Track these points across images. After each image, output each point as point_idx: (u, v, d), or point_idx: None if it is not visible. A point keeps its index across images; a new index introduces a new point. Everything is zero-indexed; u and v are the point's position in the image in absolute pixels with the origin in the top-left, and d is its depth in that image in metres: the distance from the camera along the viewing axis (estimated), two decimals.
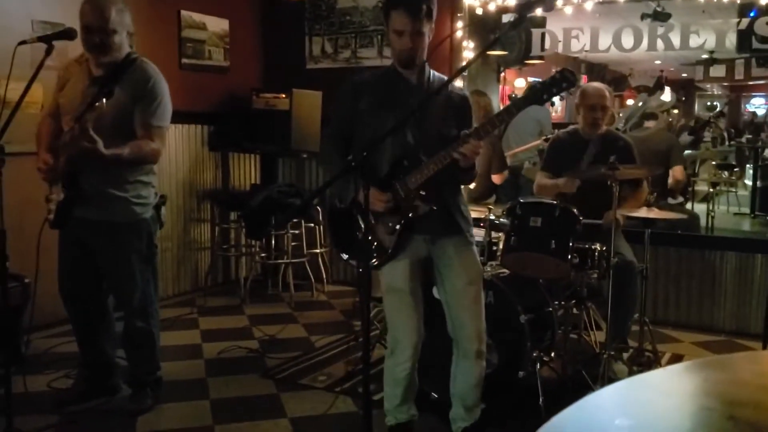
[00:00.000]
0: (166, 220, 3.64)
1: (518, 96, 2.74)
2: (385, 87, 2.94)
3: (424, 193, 2.83)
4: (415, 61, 2.88)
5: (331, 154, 3.05)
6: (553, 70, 2.64)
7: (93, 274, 3.44)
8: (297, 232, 5.71)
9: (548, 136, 4.69)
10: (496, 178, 5.38)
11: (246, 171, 6.36)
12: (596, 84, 4.32)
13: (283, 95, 5.69)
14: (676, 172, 5.41)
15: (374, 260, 2.90)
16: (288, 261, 5.72)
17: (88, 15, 3.18)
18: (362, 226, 2.87)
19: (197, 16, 5.76)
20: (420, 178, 2.80)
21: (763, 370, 1.08)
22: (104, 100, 3.05)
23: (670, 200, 5.65)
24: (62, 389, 3.70)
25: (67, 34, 3.05)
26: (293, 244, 5.72)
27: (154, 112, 3.29)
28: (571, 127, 4.39)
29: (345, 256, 3.08)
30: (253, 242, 5.98)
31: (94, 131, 3.04)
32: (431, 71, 2.98)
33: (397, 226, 2.87)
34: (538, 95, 2.66)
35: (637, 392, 0.99)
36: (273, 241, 5.89)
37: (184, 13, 5.64)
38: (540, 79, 2.73)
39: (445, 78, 2.98)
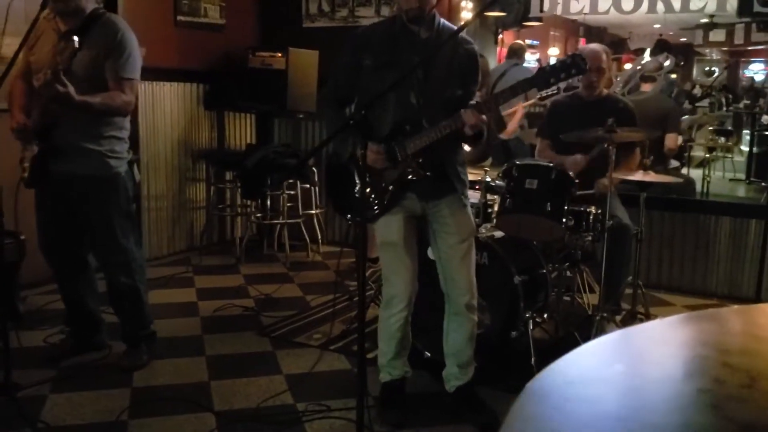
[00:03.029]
0: (138, 179, 3.61)
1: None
2: (391, 42, 2.87)
3: (420, 160, 2.82)
4: (424, 18, 2.83)
5: (329, 112, 3.04)
6: (553, 59, 2.63)
7: (71, 228, 3.44)
8: (292, 192, 5.71)
9: (543, 94, 4.69)
10: (505, 134, 5.46)
11: (241, 130, 6.33)
12: (593, 45, 4.29)
13: (280, 54, 5.63)
14: (670, 141, 5.40)
15: (367, 214, 2.91)
16: (283, 221, 5.73)
17: None
18: (357, 181, 2.89)
19: None
20: (419, 145, 2.79)
21: (754, 321, 1.11)
22: (75, 38, 2.97)
23: (672, 163, 5.67)
24: (54, 344, 3.73)
25: None
26: (289, 204, 5.72)
27: (123, 64, 3.25)
28: (571, 90, 4.37)
29: (338, 206, 3.09)
30: (249, 202, 5.99)
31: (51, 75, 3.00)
32: (441, 21, 2.90)
33: (390, 187, 2.88)
34: (545, 78, 2.64)
35: (633, 341, 1.01)
36: (268, 202, 5.89)
37: None
38: (550, 63, 2.71)
39: (455, 28, 2.92)
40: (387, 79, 2.69)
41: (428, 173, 2.84)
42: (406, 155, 2.83)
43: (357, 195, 2.90)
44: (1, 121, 4.32)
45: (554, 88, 4.49)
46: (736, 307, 1.16)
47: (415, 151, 2.81)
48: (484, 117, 2.71)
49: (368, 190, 2.89)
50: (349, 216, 3.11)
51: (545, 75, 2.64)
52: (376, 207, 2.91)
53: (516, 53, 6.72)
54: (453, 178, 2.94)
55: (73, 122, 3.18)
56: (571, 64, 2.60)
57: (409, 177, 2.85)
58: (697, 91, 8.87)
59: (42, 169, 3.23)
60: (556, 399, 0.83)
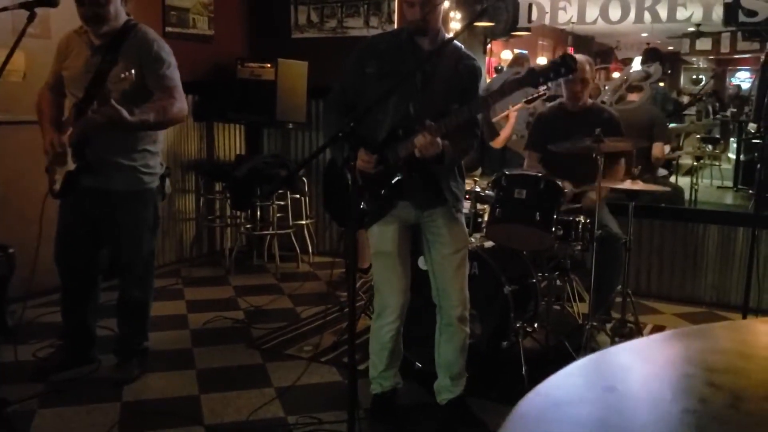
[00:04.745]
0: (169, 191, 3.63)
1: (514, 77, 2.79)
2: (395, 53, 2.91)
3: (411, 162, 2.83)
4: (426, 31, 2.86)
5: (330, 117, 3.06)
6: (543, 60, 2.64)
7: (90, 244, 3.45)
8: (282, 203, 5.70)
9: (530, 97, 4.75)
10: (495, 143, 5.50)
11: (231, 141, 6.32)
12: (577, 56, 4.31)
13: (269, 65, 5.63)
14: (656, 150, 5.43)
15: (360, 221, 2.91)
16: (273, 232, 5.72)
17: None
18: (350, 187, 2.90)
19: None
20: (410, 148, 2.80)
21: (741, 338, 1.11)
22: (133, 71, 3.04)
23: (660, 172, 5.69)
24: (43, 358, 3.70)
25: (49, 1, 2.99)
26: (279, 215, 5.72)
27: (166, 74, 3.27)
28: (556, 101, 4.39)
29: (333, 213, 3.10)
30: (239, 213, 5.98)
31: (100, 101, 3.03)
32: (444, 35, 2.93)
33: (382, 191, 2.88)
34: (534, 78, 2.65)
35: (620, 359, 1.02)
36: (258, 212, 5.88)
37: None
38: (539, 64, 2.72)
39: (460, 46, 2.95)
40: (388, 88, 2.70)
41: (417, 174, 2.84)
42: (397, 158, 2.84)
43: (349, 200, 2.91)
44: (14, 133, 4.33)
45: (542, 89, 4.52)
46: (725, 323, 1.18)
47: (406, 154, 2.81)
48: (438, 141, 2.70)
49: (361, 196, 2.89)
50: (342, 223, 3.13)
51: (535, 75, 2.65)
52: (369, 215, 2.91)
53: (518, 62, 6.81)
54: (445, 191, 2.94)
55: (107, 138, 3.18)
56: (561, 64, 2.61)
57: (398, 177, 2.85)
58: (684, 100, 8.91)
59: (74, 184, 3.25)
60: (544, 421, 0.83)
